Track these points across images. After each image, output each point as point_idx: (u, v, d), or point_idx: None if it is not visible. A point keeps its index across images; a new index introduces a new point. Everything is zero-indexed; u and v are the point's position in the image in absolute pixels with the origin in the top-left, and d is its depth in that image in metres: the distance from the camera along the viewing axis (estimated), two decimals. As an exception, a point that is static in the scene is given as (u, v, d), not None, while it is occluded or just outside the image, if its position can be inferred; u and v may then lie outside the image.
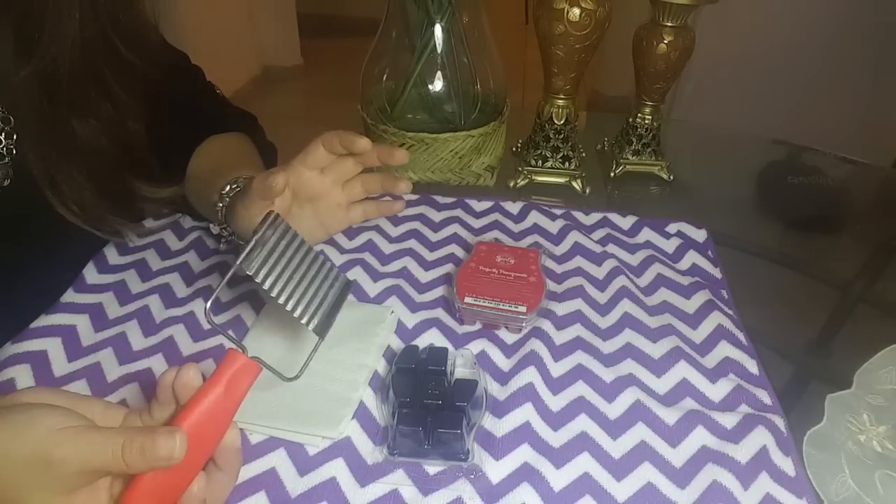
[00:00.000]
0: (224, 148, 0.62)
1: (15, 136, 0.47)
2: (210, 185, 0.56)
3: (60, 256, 0.55)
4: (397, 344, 0.52)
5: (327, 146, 0.53)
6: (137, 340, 0.51)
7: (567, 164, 0.77)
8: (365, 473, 0.41)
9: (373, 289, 0.57)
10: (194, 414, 0.33)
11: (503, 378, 0.48)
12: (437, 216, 0.68)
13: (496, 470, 0.41)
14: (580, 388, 0.48)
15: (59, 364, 0.48)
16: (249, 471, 0.41)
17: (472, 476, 0.41)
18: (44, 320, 0.50)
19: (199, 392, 0.34)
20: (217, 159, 0.60)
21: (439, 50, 0.70)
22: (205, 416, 0.33)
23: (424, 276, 0.59)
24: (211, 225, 0.57)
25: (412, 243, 0.63)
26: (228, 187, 0.54)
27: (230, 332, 0.48)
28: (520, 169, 0.78)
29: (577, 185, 0.77)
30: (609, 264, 0.61)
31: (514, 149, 0.82)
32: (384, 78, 0.74)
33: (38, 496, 0.30)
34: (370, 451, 0.43)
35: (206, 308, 0.37)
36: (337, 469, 0.42)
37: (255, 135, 0.66)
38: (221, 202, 0.54)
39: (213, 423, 0.34)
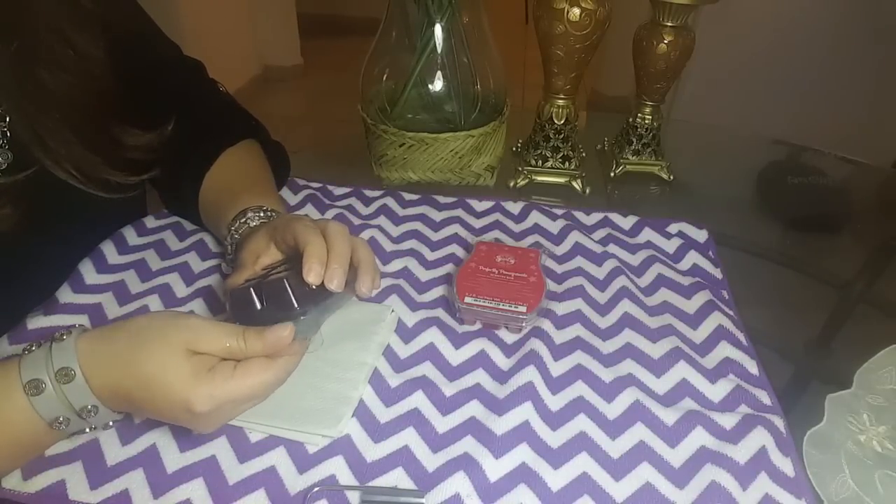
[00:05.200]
0: (232, 169, 0.61)
1: (8, 119, 0.47)
2: (219, 214, 0.55)
3: (75, 235, 0.56)
4: (397, 343, 0.52)
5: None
6: (137, 340, 0.50)
7: (567, 163, 0.77)
8: (364, 471, 0.41)
9: (373, 288, 0.57)
10: None
11: (503, 377, 0.48)
12: (437, 216, 0.68)
13: (495, 468, 0.41)
14: (579, 388, 0.48)
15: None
16: (249, 469, 0.41)
17: None
18: (42, 321, 0.50)
19: None
20: (225, 184, 0.59)
21: (439, 50, 0.70)
22: None
23: (425, 276, 0.59)
24: (223, 264, 0.56)
25: (413, 243, 0.63)
26: (238, 223, 0.52)
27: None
28: (520, 169, 0.78)
29: (577, 185, 0.77)
30: (609, 264, 0.61)
31: (514, 149, 0.82)
32: (384, 78, 0.74)
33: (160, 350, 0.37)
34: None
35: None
36: (336, 467, 0.42)
37: (259, 136, 0.65)
38: (230, 238, 0.53)
39: None
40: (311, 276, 0.41)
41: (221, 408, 0.38)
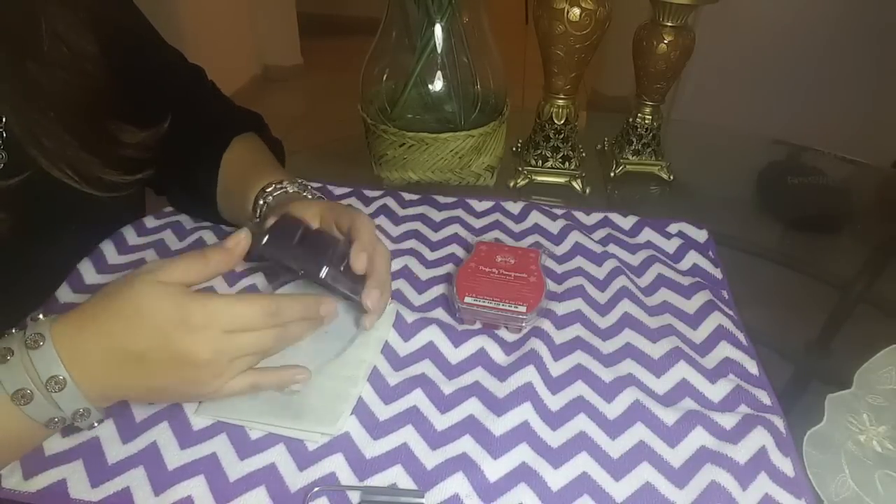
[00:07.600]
0: (247, 152, 0.62)
1: (4, 119, 0.47)
2: (248, 182, 0.56)
3: (74, 237, 0.56)
4: (396, 340, 0.52)
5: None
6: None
7: (567, 163, 0.77)
8: (364, 468, 0.41)
9: (373, 288, 0.57)
10: None
11: (502, 374, 0.48)
12: (437, 216, 0.68)
13: (494, 468, 0.41)
14: (579, 388, 0.48)
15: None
16: (249, 466, 0.41)
17: None
18: (43, 320, 0.50)
19: None
20: (246, 163, 0.60)
21: (439, 50, 0.70)
22: None
23: (425, 276, 0.59)
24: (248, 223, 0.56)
25: (413, 243, 0.63)
26: (273, 187, 0.54)
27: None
28: (520, 169, 0.78)
29: (577, 185, 0.77)
30: (609, 264, 0.61)
31: (514, 149, 0.82)
32: (384, 78, 0.74)
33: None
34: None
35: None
36: (336, 464, 0.42)
37: (262, 133, 0.66)
38: (263, 199, 0.54)
39: None
40: (359, 263, 0.44)
41: (215, 326, 0.36)
